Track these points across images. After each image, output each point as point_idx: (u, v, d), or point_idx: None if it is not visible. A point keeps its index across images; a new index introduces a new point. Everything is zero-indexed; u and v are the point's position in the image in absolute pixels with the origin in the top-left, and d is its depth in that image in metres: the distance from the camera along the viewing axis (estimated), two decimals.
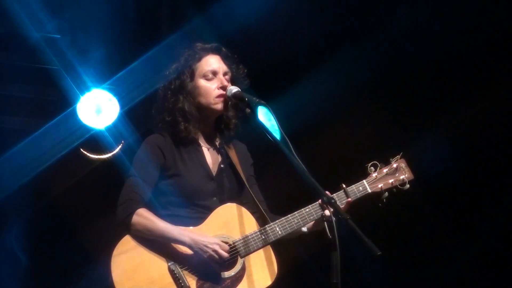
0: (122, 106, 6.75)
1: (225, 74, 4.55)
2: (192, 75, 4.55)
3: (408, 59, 6.41)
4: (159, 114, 4.58)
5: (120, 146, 6.77)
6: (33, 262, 7.11)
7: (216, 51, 4.60)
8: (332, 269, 3.65)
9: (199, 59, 4.56)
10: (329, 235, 3.73)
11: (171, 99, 4.53)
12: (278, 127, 4.15)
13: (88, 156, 6.87)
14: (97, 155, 6.87)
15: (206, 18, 6.43)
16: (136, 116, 6.77)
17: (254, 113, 4.28)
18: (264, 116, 4.49)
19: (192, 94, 4.52)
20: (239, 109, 4.48)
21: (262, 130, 4.16)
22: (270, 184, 4.93)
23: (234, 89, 4.45)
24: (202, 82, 4.53)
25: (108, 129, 6.77)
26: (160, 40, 6.45)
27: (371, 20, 6.45)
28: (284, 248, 4.49)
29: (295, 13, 6.48)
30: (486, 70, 6.42)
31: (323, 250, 3.84)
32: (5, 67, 6.76)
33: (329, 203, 3.83)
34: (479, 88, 6.42)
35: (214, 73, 4.53)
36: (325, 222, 3.80)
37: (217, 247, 4.26)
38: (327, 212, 3.90)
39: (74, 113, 6.72)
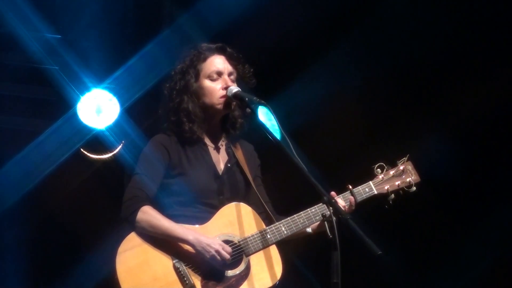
0: (122, 103, 6.76)
1: (230, 74, 4.56)
2: (197, 76, 4.56)
3: (410, 55, 6.47)
4: (165, 114, 4.60)
5: (120, 146, 6.77)
6: (36, 269, 7.09)
7: (221, 51, 4.61)
8: (332, 268, 3.67)
9: (204, 60, 4.58)
10: (329, 234, 3.74)
11: (176, 99, 4.55)
12: (279, 127, 4.18)
13: (90, 156, 6.86)
14: (98, 155, 6.87)
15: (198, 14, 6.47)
16: (137, 112, 6.77)
17: (254, 113, 4.30)
18: (265, 116, 4.45)
19: (197, 94, 4.54)
20: (243, 109, 4.50)
21: (262, 130, 4.18)
22: (277, 185, 4.94)
23: (234, 89, 4.46)
24: (206, 83, 4.54)
25: (109, 128, 6.78)
26: (156, 35, 6.52)
27: (371, 16, 6.49)
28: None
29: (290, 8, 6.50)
30: (487, 65, 6.48)
31: (313, 251, 3.83)
32: (5, 67, 6.76)
33: (330, 203, 3.85)
34: (481, 83, 6.48)
35: (219, 74, 4.54)
36: (326, 222, 3.82)
37: (219, 248, 4.28)
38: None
39: (75, 114, 6.73)
